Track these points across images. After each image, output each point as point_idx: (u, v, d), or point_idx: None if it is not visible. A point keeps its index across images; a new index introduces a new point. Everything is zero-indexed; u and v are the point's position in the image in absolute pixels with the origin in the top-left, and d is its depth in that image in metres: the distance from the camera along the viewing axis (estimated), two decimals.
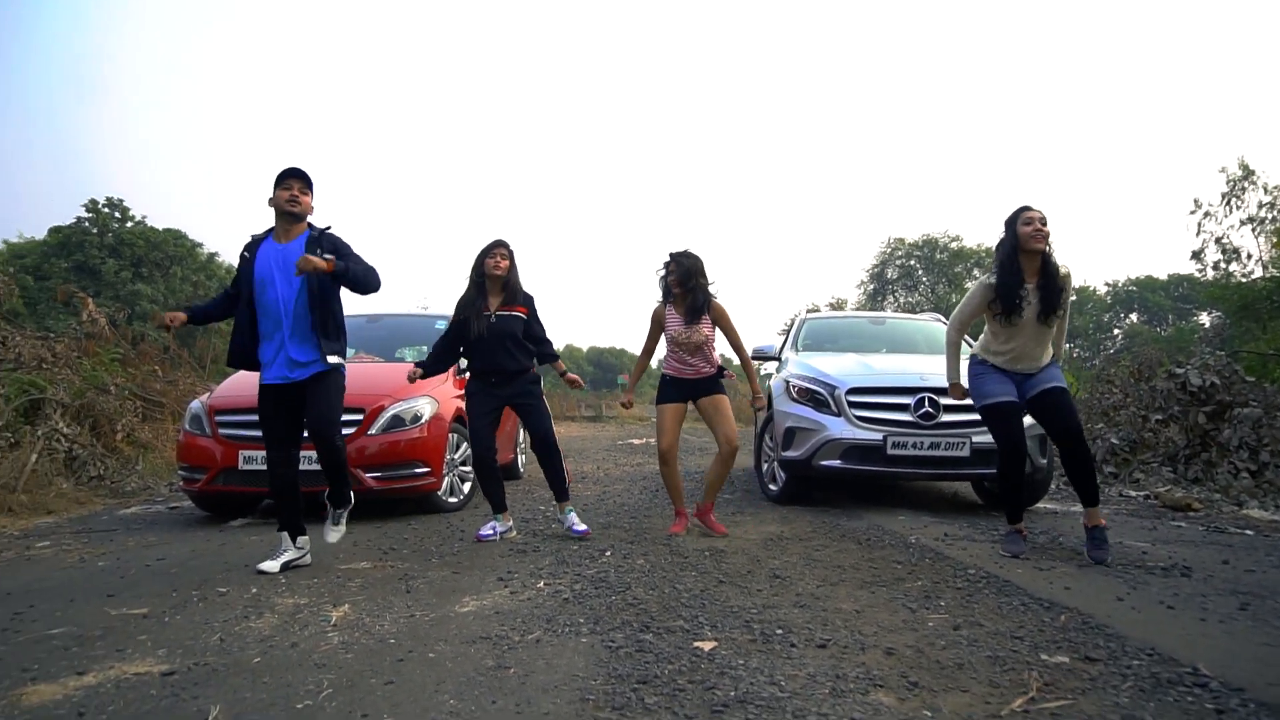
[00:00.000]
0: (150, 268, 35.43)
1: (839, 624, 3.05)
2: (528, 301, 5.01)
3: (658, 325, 5.06)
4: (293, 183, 4.05)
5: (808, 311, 10.17)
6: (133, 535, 5.25)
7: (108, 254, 34.79)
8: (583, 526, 4.91)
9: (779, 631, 2.94)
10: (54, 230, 35.18)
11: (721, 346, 5.06)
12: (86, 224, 35.54)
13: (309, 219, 4.15)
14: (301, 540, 4.19)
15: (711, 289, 4.99)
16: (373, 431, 5.57)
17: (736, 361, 5.33)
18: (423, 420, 5.74)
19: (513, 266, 4.97)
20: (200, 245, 38.35)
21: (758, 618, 3.12)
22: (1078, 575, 3.86)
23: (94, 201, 36.03)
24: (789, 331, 8.21)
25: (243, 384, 5.80)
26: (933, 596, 3.46)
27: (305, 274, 3.93)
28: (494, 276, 4.90)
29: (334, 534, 4.30)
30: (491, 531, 4.82)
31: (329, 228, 4.18)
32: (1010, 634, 2.92)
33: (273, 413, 4.09)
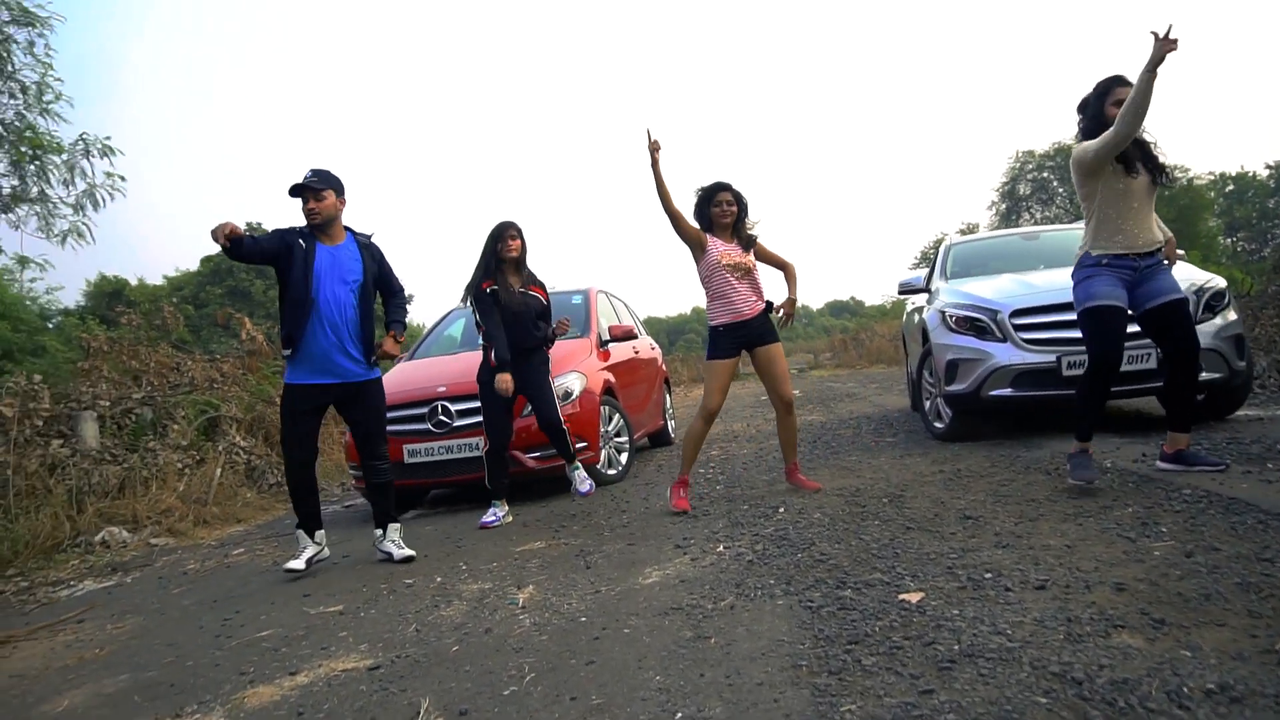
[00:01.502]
0: None
1: (1052, 562, 2.81)
2: (542, 286, 5.16)
3: (698, 236, 4.61)
4: (306, 194, 4.13)
5: (959, 234, 9.62)
6: None
7: (255, 275, 36.88)
8: (586, 485, 5.08)
9: (988, 575, 2.72)
10: (205, 260, 37.58)
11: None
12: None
13: (343, 220, 4.28)
14: (319, 535, 4.30)
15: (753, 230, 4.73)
16: (527, 412, 5.59)
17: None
18: (574, 396, 5.73)
19: (524, 248, 5.06)
20: None
21: (960, 563, 2.91)
22: None
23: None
24: (934, 260, 7.77)
25: (397, 380, 5.94)
26: (1150, 523, 3.14)
27: (363, 288, 4.20)
28: (508, 260, 4.97)
29: (404, 550, 4.27)
30: (494, 518, 4.85)
31: (372, 235, 4.38)
32: (1256, 556, 2.61)
33: (311, 410, 4.19)
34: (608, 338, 6.80)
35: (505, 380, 4.78)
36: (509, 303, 4.90)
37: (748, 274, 4.58)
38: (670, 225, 4.59)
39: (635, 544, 3.92)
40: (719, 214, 4.58)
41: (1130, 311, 3.99)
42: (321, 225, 4.16)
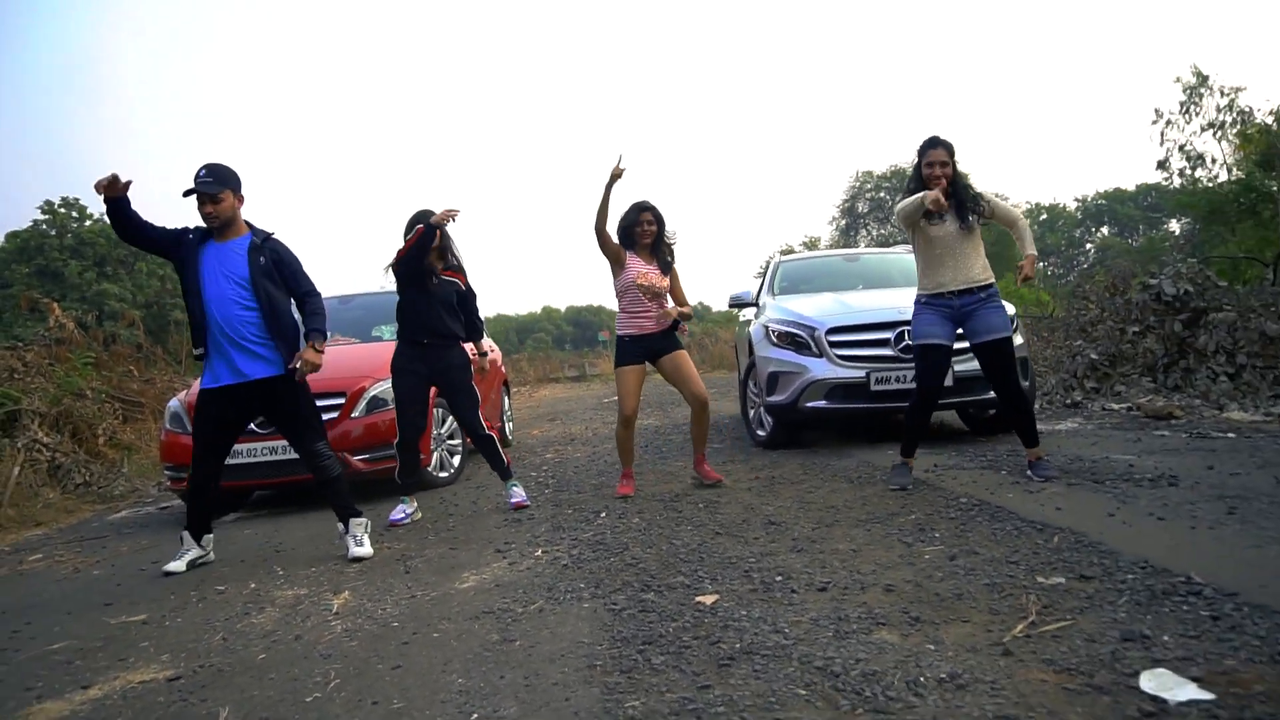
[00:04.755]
0: (115, 265, 34.83)
1: (837, 565, 3.08)
2: (462, 270, 5.00)
3: (618, 252, 4.90)
4: (202, 197, 3.94)
5: (781, 254, 10.13)
6: (125, 540, 5.21)
7: (69, 255, 34.18)
8: (519, 497, 4.89)
9: (779, 578, 2.96)
10: (11, 235, 34.52)
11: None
12: (44, 226, 34.85)
13: (242, 217, 4.10)
14: (206, 539, 4.23)
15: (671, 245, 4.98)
16: (356, 414, 5.53)
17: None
18: None
19: (447, 235, 4.88)
20: None
21: (756, 566, 3.15)
22: (1067, 494, 3.91)
23: (50, 203, 35.35)
24: (764, 276, 8.18)
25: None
26: (927, 529, 3.49)
27: (253, 284, 3.98)
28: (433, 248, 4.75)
29: (360, 549, 4.08)
30: (403, 515, 4.77)
31: (272, 234, 4.16)
32: (1005, 559, 2.96)
33: (212, 415, 4.06)
34: None
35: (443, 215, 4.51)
36: (426, 291, 4.68)
37: (657, 297, 4.82)
38: (596, 239, 4.85)
39: (457, 548, 3.98)
40: (640, 233, 4.84)
41: (969, 341, 4.45)
42: (220, 228, 3.99)
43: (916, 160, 4.46)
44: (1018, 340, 5.91)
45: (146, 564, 4.35)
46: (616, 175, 4.69)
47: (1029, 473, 4.41)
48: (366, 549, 4.04)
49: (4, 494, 6.29)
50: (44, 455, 7.29)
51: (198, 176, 3.95)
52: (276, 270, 4.09)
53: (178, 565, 4.06)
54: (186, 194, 3.93)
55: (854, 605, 2.61)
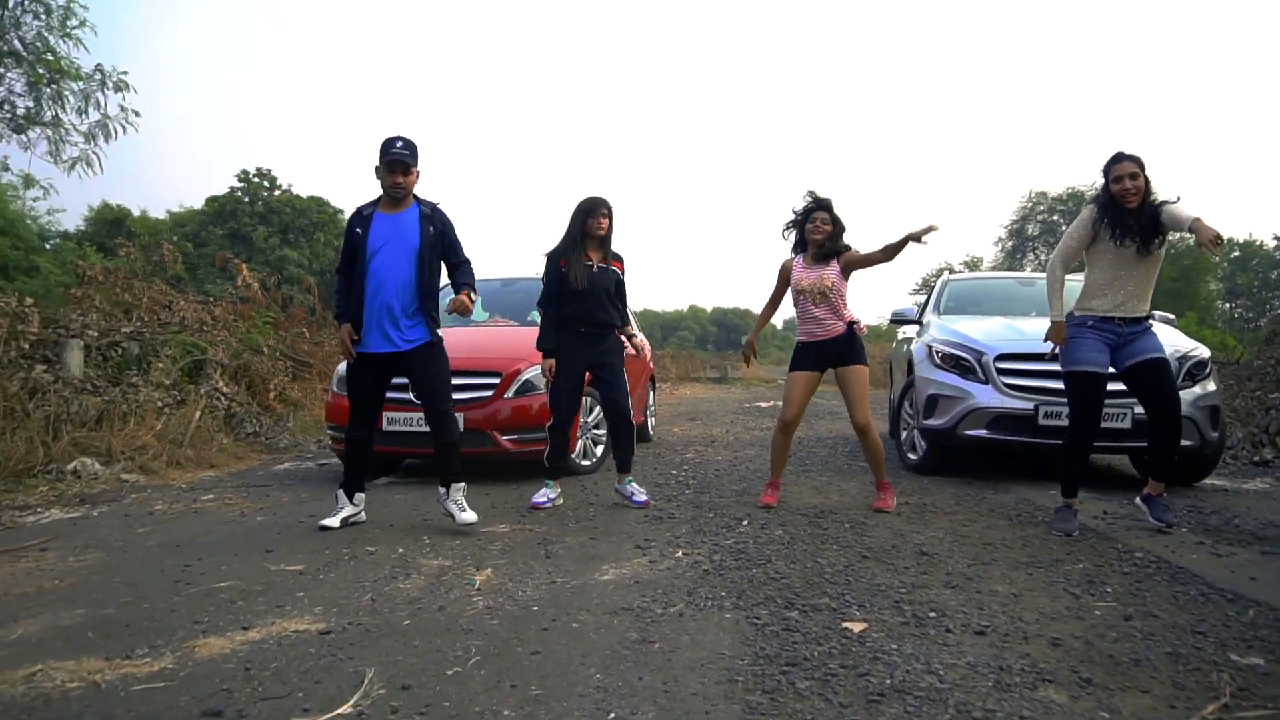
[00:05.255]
0: (296, 234, 37.29)
1: (996, 608, 2.88)
2: (620, 260, 4.97)
3: (784, 279, 4.86)
4: (397, 168, 4.11)
5: (949, 272, 9.70)
6: (287, 491, 5.52)
7: (258, 221, 36.82)
8: (643, 496, 4.83)
9: (932, 614, 2.80)
10: (210, 200, 37.48)
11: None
12: (239, 193, 37.72)
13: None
14: (359, 498, 4.38)
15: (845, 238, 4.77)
16: (508, 395, 5.64)
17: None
18: None
19: (611, 227, 4.86)
20: (341, 212, 40.07)
21: (908, 598, 2.99)
22: (1262, 564, 3.54)
23: (245, 172, 38.26)
24: (930, 293, 7.85)
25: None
26: (1097, 582, 3.22)
27: (424, 255, 4.15)
28: (595, 236, 4.79)
29: (466, 515, 4.27)
30: (545, 499, 4.78)
31: (438, 204, 4.32)
32: (1190, 628, 2.69)
33: (369, 380, 4.26)
34: None
35: (549, 366, 4.75)
36: (578, 280, 4.71)
37: (824, 298, 4.66)
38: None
39: (597, 539, 3.98)
40: (811, 231, 4.72)
41: (1113, 369, 4.11)
42: (399, 199, 4.20)
43: (1104, 179, 4.15)
44: (1210, 386, 5.43)
45: (304, 516, 4.58)
46: (916, 238, 4.41)
47: (1141, 504, 4.25)
48: (471, 514, 4.23)
49: (186, 435, 6.79)
50: (222, 403, 7.84)
51: (393, 147, 4.12)
52: (441, 240, 4.27)
53: (332, 521, 4.25)
54: (389, 161, 4.09)
55: (1016, 655, 2.43)
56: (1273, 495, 5.39)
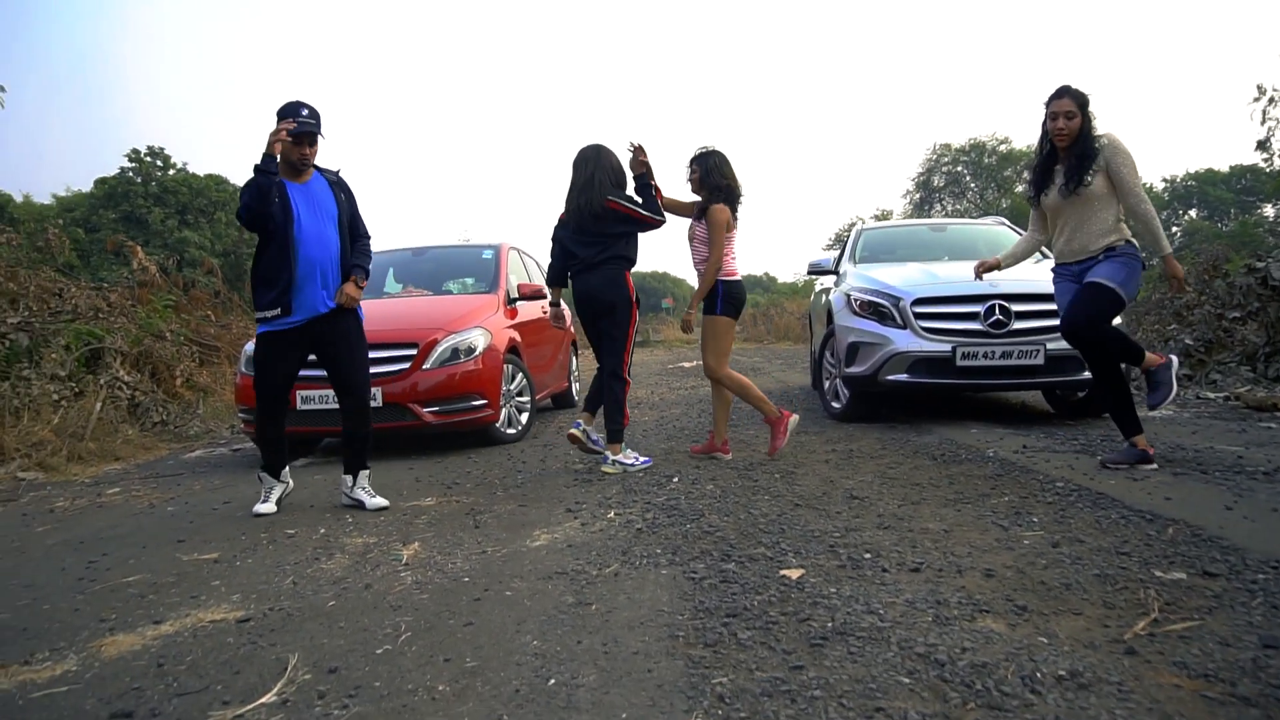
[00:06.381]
0: (195, 214, 35.74)
1: (929, 545, 2.90)
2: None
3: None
4: (304, 140, 3.82)
5: (862, 222, 9.80)
6: (199, 479, 5.27)
7: (153, 203, 35.16)
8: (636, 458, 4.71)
9: (867, 556, 2.80)
10: (99, 182, 35.61)
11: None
12: (130, 174, 35.87)
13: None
14: (284, 473, 4.17)
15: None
16: (427, 366, 5.47)
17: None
18: (477, 352, 5.63)
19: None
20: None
21: (842, 541, 2.98)
22: (1175, 484, 3.65)
23: (136, 151, 36.34)
24: (845, 243, 7.91)
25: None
26: (1023, 513, 3.28)
27: (343, 224, 3.99)
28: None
29: (377, 500, 4.08)
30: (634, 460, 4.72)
31: (339, 171, 4.12)
32: (1115, 550, 2.74)
33: (293, 357, 4.02)
34: (516, 295, 6.72)
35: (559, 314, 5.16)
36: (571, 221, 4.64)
37: (692, 241, 4.74)
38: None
39: (527, 505, 3.89)
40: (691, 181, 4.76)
41: None
42: (303, 170, 3.92)
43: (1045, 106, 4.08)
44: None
45: (219, 503, 4.37)
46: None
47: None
48: (381, 499, 4.06)
49: (86, 428, 6.43)
50: (124, 393, 7.44)
51: (299, 115, 3.80)
52: (349, 209, 4.09)
53: (267, 506, 4.03)
54: (291, 134, 3.76)
55: (952, 589, 2.44)
56: (1176, 421, 5.60)
